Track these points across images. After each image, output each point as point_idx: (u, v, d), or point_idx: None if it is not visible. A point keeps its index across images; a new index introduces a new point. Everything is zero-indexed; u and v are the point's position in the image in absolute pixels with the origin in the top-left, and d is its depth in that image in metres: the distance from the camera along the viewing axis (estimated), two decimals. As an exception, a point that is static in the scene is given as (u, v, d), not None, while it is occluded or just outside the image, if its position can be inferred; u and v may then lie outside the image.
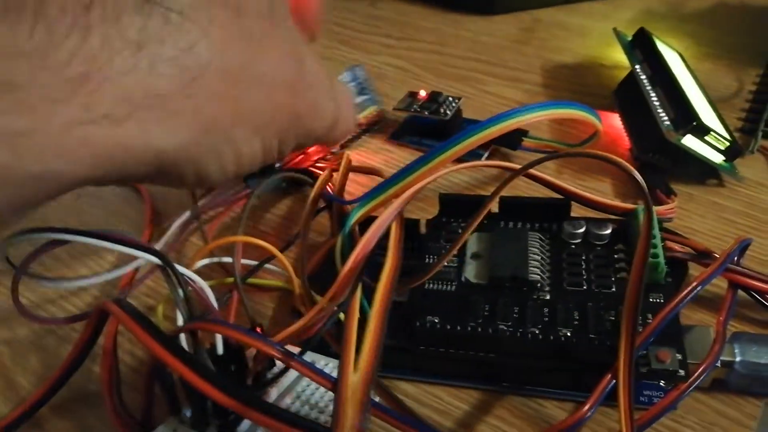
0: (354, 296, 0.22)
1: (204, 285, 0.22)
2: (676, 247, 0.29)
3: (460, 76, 0.48)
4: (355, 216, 0.25)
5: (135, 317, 0.21)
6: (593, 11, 0.55)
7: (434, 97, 0.40)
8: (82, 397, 0.28)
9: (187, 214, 0.36)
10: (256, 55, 0.23)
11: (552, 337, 0.25)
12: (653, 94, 0.37)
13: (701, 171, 0.35)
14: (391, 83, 0.47)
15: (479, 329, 0.25)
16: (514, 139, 0.38)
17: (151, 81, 0.19)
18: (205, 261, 0.29)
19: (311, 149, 0.37)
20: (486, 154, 0.39)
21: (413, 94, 0.41)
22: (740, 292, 0.27)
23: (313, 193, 0.31)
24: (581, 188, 0.29)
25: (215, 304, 0.23)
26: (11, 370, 0.29)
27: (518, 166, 0.25)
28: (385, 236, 0.25)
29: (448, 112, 0.39)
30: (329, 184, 0.33)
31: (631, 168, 0.22)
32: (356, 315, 0.22)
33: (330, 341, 0.25)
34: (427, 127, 0.41)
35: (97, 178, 0.19)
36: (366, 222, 0.26)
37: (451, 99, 0.40)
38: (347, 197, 0.33)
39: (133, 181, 0.32)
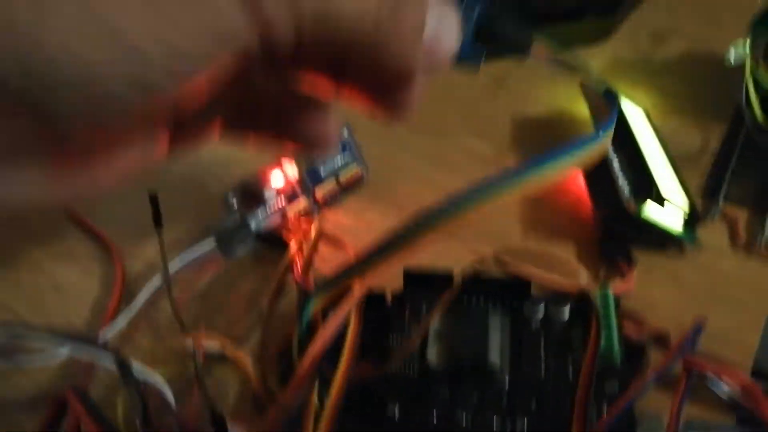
0: (310, 397, 0.22)
1: (162, 385, 0.23)
2: (633, 329, 0.29)
3: (434, 129, 0.47)
4: (312, 308, 0.25)
5: (92, 414, 0.22)
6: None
7: None
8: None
9: (157, 278, 0.36)
10: None
11: (510, 429, 0.25)
12: (615, 160, 0.37)
13: (662, 239, 0.36)
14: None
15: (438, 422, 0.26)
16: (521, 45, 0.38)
17: None
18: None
19: (290, 212, 0.36)
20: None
21: None
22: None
23: (275, 283, 0.32)
24: (546, 255, 0.30)
25: (173, 403, 0.23)
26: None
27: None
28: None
29: None
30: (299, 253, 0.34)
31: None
32: (312, 416, 0.22)
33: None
34: None
35: None
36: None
37: None
38: (319, 259, 0.33)
39: None
